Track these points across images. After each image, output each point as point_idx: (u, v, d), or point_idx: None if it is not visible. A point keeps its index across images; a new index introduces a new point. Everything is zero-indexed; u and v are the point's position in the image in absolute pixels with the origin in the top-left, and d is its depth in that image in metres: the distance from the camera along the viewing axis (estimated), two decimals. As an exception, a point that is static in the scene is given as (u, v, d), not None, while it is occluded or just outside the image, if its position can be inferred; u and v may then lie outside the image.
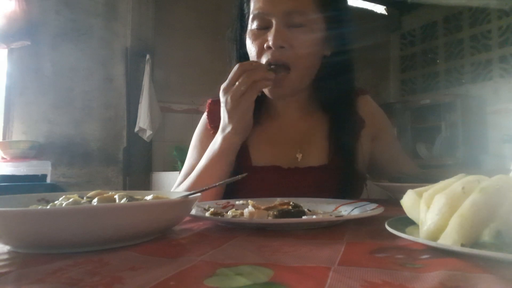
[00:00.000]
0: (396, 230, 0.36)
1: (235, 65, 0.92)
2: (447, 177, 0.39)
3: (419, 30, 4.13)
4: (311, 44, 0.80)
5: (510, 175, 0.34)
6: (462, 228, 0.31)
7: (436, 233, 0.34)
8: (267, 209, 0.53)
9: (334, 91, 0.88)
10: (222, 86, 0.78)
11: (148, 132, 2.78)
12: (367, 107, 0.95)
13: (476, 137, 3.33)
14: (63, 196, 0.48)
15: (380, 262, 0.31)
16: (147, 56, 2.87)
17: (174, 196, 0.50)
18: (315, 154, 0.88)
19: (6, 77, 2.58)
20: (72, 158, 2.73)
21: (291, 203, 0.56)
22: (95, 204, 0.45)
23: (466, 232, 0.31)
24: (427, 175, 0.86)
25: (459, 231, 0.31)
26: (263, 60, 0.80)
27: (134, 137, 2.87)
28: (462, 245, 0.31)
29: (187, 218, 0.56)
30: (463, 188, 0.34)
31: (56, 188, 2.24)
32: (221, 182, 0.57)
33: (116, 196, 0.47)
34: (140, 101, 2.83)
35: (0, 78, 2.58)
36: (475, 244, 0.31)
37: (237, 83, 0.75)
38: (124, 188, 2.85)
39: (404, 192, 0.42)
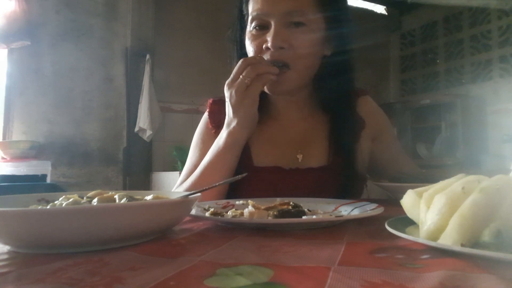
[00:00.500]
0: (396, 230, 0.36)
1: (235, 66, 0.92)
2: (447, 177, 0.39)
3: (419, 30, 4.13)
4: (310, 44, 0.80)
5: (510, 175, 0.34)
6: (462, 228, 0.31)
7: (436, 233, 0.34)
8: (267, 209, 0.53)
9: (334, 91, 0.88)
10: (227, 81, 0.78)
11: (148, 132, 2.78)
12: (367, 107, 0.95)
13: (476, 137, 3.33)
14: (63, 196, 0.48)
15: (380, 262, 0.31)
16: (147, 56, 2.87)
17: (174, 196, 0.50)
18: (315, 155, 0.88)
19: (6, 77, 2.58)
20: (72, 158, 2.73)
21: (291, 203, 0.56)
22: (95, 204, 0.45)
23: (466, 232, 0.31)
24: (427, 175, 0.86)
25: (459, 231, 0.31)
26: None
27: (134, 137, 2.87)
28: (462, 245, 0.31)
29: (187, 218, 0.56)
30: (463, 188, 0.34)
31: (56, 188, 2.24)
32: (221, 182, 0.57)
33: (116, 196, 0.47)
34: (140, 101, 2.83)
35: (0, 78, 2.58)
36: (475, 244, 0.31)
37: (241, 76, 0.75)
38: (124, 188, 2.85)
39: (404, 192, 0.42)
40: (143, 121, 2.77)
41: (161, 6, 3.05)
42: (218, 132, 0.85)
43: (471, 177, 0.36)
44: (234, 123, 0.79)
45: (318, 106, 0.92)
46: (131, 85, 2.92)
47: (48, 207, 0.45)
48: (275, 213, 0.51)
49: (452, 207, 0.33)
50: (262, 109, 0.89)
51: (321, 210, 0.60)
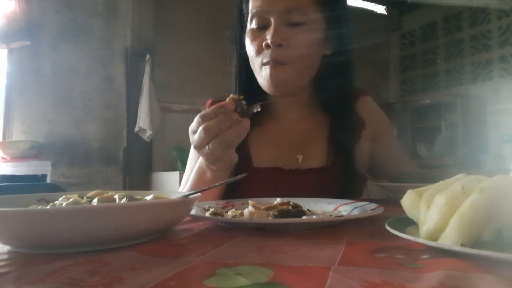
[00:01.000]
0: (396, 230, 0.36)
1: (235, 65, 0.91)
2: (447, 177, 0.39)
3: (419, 30, 4.13)
4: (310, 43, 0.80)
5: (510, 175, 0.34)
6: (462, 228, 0.31)
7: (436, 233, 0.34)
8: (267, 209, 0.53)
9: (334, 91, 0.87)
10: (202, 127, 0.62)
11: (148, 132, 2.78)
12: (368, 107, 0.95)
13: (476, 137, 3.33)
14: (63, 196, 0.48)
15: (380, 262, 0.31)
16: (147, 56, 2.88)
17: (174, 196, 0.50)
18: (315, 155, 0.87)
19: (6, 77, 2.58)
20: (72, 158, 2.73)
21: (291, 203, 0.56)
22: (95, 204, 0.45)
23: (466, 232, 0.31)
24: (427, 175, 0.86)
25: (459, 231, 0.31)
26: (262, 59, 0.80)
27: (134, 137, 2.87)
28: (462, 245, 0.31)
29: (187, 218, 0.56)
30: (463, 188, 0.34)
31: (56, 188, 2.24)
32: (221, 182, 0.57)
33: (116, 196, 0.47)
34: (140, 101, 2.83)
35: (0, 78, 2.58)
36: (475, 244, 0.31)
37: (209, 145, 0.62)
38: (124, 188, 2.85)
39: (404, 192, 0.42)
40: (143, 121, 2.77)
41: (161, 6, 3.06)
42: None
43: (471, 177, 0.36)
44: (213, 168, 0.69)
45: (318, 106, 0.92)
46: (131, 85, 2.92)
47: (48, 207, 0.45)
48: (275, 213, 0.51)
49: (452, 207, 0.33)
50: (263, 109, 0.89)
51: (321, 210, 0.60)
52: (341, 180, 0.86)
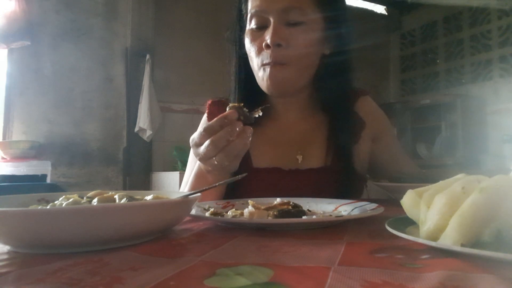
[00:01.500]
0: (396, 230, 0.36)
1: (234, 65, 0.91)
2: (447, 177, 0.39)
3: (419, 30, 4.13)
4: (309, 43, 0.80)
5: (510, 175, 0.34)
6: (462, 228, 0.31)
7: (436, 233, 0.34)
8: (267, 209, 0.53)
9: (334, 91, 0.87)
10: (210, 141, 0.61)
11: (148, 132, 2.78)
12: (367, 107, 0.95)
13: (476, 137, 3.33)
14: (63, 196, 0.48)
15: (380, 262, 0.31)
16: (147, 56, 2.88)
17: (174, 196, 0.50)
18: (315, 156, 0.87)
19: (6, 77, 2.58)
20: (72, 158, 2.73)
21: (291, 203, 0.56)
22: (95, 204, 0.45)
23: (466, 232, 0.31)
24: (427, 175, 0.86)
25: (459, 231, 0.31)
26: (261, 59, 0.80)
27: (134, 137, 2.87)
28: (462, 245, 0.31)
29: (187, 218, 0.56)
30: (463, 188, 0.34)
31: (56, 188, 2.24)
32: (221, 182, 0.57)
33: (116, 196, 0.47)
34: (140, 101, 2.83)
35: (0, 78, 2.58)
36: (475, 244, 0.31)
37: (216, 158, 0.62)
38: (124, 188, 2.85)
39: (404, 192, 0.42)
40: (143, 121, 2.77)
41: (161, 6, 3.06)
42: None
43: (471, 177, 0.36)
44: (215, 172, 0.70)
45: (318, 106, 0.92)
46: (131, 85, 2.92)
47: (48, 207, 0.45)
48: (275, 213, 0.51)
49: (452, 207, 0.33)
50: (263, 110, 0.89)
51: (321, 210, 0.60)
52: (341, 180, 0.86)
